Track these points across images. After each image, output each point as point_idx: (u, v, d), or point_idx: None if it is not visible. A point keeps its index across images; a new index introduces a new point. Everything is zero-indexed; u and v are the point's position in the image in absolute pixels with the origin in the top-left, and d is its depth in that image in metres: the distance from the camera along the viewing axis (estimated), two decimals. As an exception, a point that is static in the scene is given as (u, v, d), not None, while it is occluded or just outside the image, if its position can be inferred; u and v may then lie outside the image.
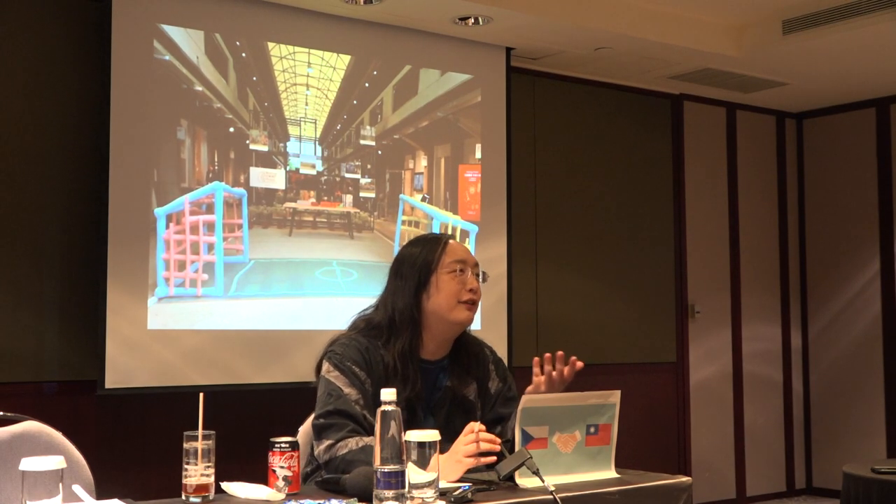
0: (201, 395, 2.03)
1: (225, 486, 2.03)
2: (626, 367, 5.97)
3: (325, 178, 4.79)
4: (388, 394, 1.84)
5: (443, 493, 1.90)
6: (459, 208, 5.19)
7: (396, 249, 4.90)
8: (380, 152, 4.96)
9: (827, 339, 6.78)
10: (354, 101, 4.88)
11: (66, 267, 4.22)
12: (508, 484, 2.11)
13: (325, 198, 4.78)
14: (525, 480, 2.09)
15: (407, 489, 1.81)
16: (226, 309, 4.45)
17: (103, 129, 4.20)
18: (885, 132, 6.52)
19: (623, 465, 2.31)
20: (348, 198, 4.85)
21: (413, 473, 1.81)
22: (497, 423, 2.51)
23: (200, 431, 1.98)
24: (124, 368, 4.16)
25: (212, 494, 1.99)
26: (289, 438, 2.10)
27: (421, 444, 1.82)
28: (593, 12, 5.02)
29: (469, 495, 1.96)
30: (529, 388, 2.46)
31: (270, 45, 4.64)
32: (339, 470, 2.17)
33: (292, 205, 4.68)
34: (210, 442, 1.99)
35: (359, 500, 1.96)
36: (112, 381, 4.13)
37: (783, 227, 6.88)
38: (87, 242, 4.24)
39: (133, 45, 4.26)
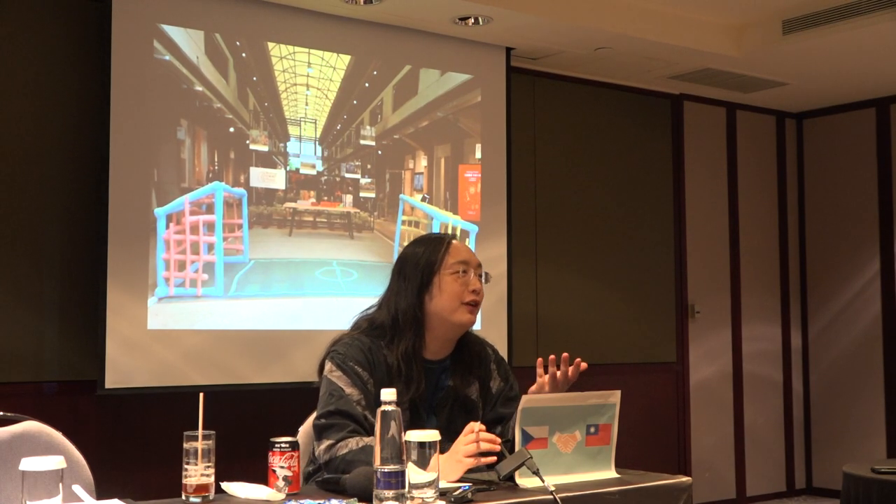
0: (201, 395, 2.03)
1: (225, 486, 2.03)
2: (626, 368, 5.96)
3: (325, 178, 4.79)
4: (388, 394, 1.84)
5: (443, 493, 1.90)
6: (459, 208, 5.18)
7: (396, 249, 4.96)
8: (380, 152, 4.96)
9: (827, 339, 6.78)
10: (354, 101, 4.88)
11: (66, 267, 4.22)
12: (508, 484, 2.11)
13: (325, 198, 4.78)
14: (525, 480, 2.09)
15: (407, 489, 1.81)
16: (226, 309, 4.45)
17: (103, 129, 4.20)
18: (885, 132, 6.52)
19: (623, 465, 2.31)
20: (348, 198, 4.85)
21: (413, 473, 1.81)
22: (498, 422, 2.50)
23: (200, 431, 1.98)
24: (124, 368, 4.16)
25: (212, 494, 1.99)
26: (289, 438, 2.10)
27: (421, 444, 1.82)
28: (593, 12, 5.02)
29: (469, 495, 1.96)
30: (533, 388, 2.46)
31: (270, 45, 4.64)
32: (339, 470, 2.17)
33: (292, 205, 4.68)
34: (210, 442, 1.99)
35: (359, 500, 1.96)
36: (112, 381, 4.13)
37: (783, 227, 6.88)
38: (87, 242, 4.24)
39: (133, 45, 4.26)
